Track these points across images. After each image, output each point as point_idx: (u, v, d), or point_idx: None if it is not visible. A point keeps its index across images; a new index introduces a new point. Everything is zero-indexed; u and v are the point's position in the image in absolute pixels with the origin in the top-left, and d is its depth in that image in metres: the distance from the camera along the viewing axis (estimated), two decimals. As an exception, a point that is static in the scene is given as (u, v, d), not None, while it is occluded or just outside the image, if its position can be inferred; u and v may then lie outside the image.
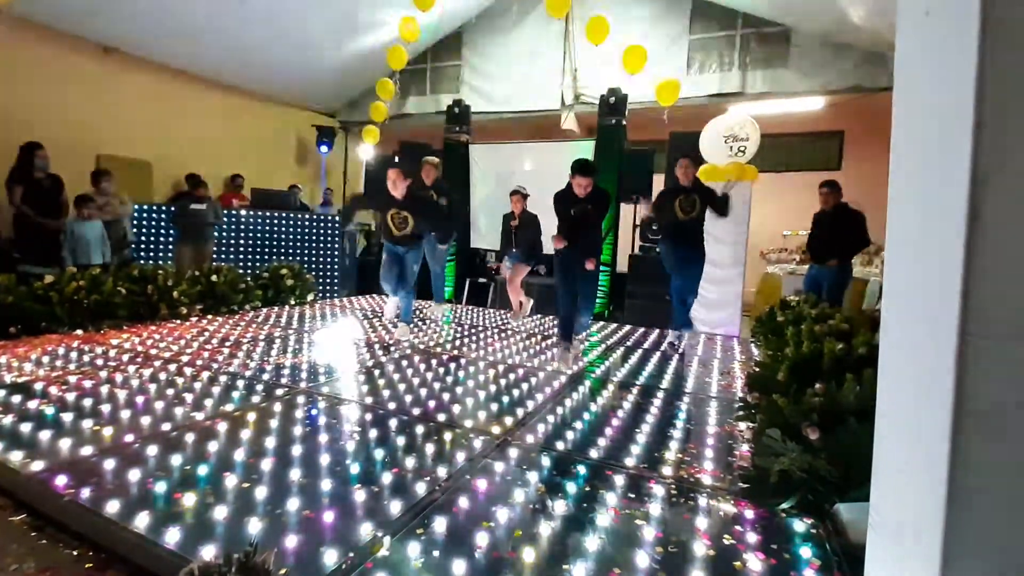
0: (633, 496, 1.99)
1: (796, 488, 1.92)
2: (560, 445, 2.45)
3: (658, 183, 6.80)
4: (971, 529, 0.76)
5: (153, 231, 6.61)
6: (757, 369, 3.20)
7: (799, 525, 1.81)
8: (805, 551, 1.65)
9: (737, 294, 5.93)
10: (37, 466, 1.95)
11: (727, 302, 5.95)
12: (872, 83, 6.25)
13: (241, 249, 7.12)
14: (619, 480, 2.11)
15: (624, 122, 6.99)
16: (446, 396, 3.09)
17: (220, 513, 1.70)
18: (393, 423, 2.62)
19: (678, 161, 4.61)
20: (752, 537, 1.73)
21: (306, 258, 7.44)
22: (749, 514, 1.88)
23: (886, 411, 1.00)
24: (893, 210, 1.00)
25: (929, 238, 0.85)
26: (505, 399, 3.08)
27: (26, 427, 2.29)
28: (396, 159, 7.14)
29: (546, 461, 2.26)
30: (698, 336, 5.68)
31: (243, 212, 7.19)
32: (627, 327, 6.03)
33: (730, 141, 5.95)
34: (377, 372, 3.55)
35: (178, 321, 4.96)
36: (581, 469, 2.20)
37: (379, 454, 2.23)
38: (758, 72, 6.93)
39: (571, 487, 2.02)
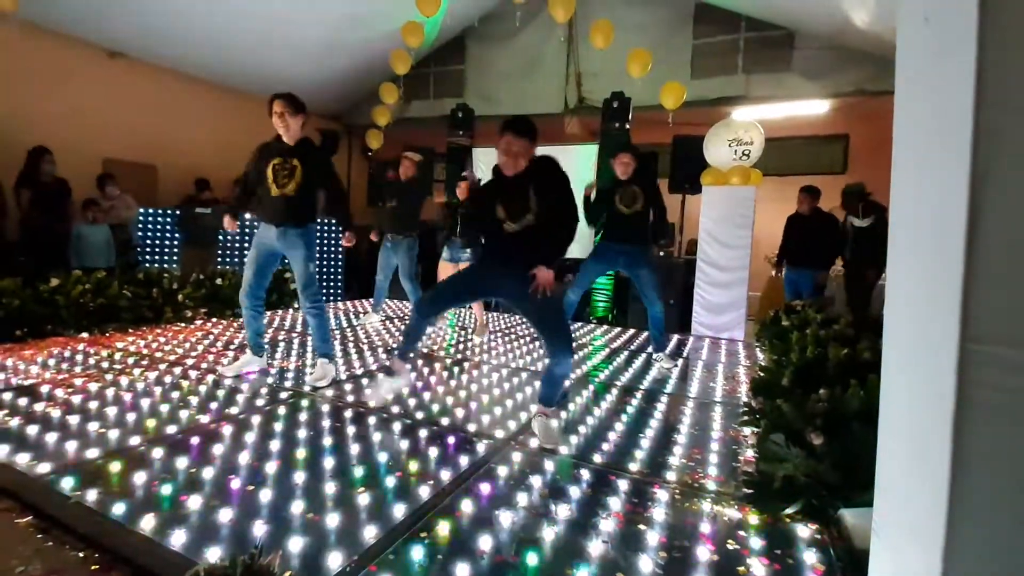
0: (637, 501, 1.99)
1: (800, 493, 1.92)
2: (564, 449, 2.45)
3: (662, 187, 6.80)
4: (973, 535, 0.76)
5: (158, 235, 6.65)
6: (761, 374, 3.19)
7: (803, 530, 1.80)
8: (809, 556, 1.64)
9: (742, 298, 5.91)
10: (43, 468, 1.97)
11: (731, 306, 5.93)
12: (876, 87, 6.24)
13: (245, 252, 7.14)
14: (623, 484, 2.10)
15: (628, 126, 6.99)
16: (450, 400, 3.10)
17: (225, 516, 1.71)
18: (397, 426, 2.63)
19: (616, 156, 4.08)
20: (756, 542, 1.72)
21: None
22: (753, 519, 1.87)
23: (889, 416, 1.00)
24: (895, 214, 1.00)
25: (930, 242, 0.86)
26: (509, 403, 3.08)
27: (32, 429, 2.31)
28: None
29: (550, 465, 2.26)
30: (702, 340, 5.67)
31: (247, 216, 7.22)
32: (631, 331, 6.02)
33: (734, 145, 5.95)
34: (381, 376, 3.55)
35: (183, 324, 4.98)
36: (585, 473, 2.20)
37: (383, 457, 2.24)
38: (762, 76, 6.93)
39: (575, 491, 2.02)
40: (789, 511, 1.89)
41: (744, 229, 5.83)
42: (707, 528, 1.80)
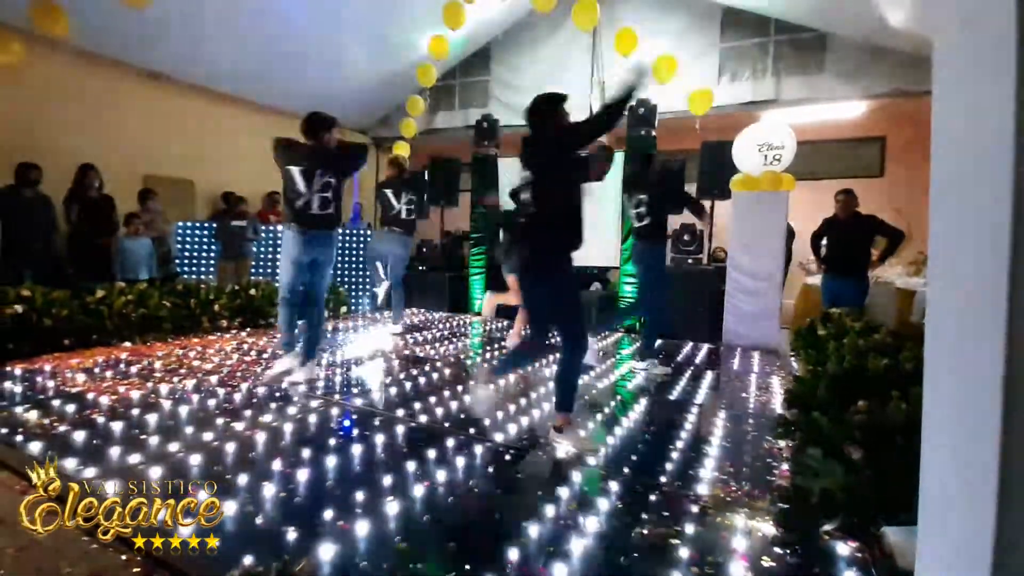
0: (667, 514, 1.95)
1: (839, 509, 1.85)
2: (592, 460, 2.42)
3: (690, 192, 6.71)
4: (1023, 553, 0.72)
5: (196, 247, 6.88)
6: (797, 384, 3.10)
7: (843, 548, 1.73)
8: None
9: (775, 306, 5.76)
10: (89, 472, 2.05)
11: (764, 315, 5.78)
12: (915, 86, 6.04)
13: (278, 264, 7.32)
14: (653, 497, 2.06)
15: (654, 132, 6.93)
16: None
17: (258, 521, 1.74)
18: (424, 435, 2.64)
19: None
20: (792, 560, 1.67)
21: (339, 271, 7.58)
22: (789, 536, 1.81)
23: (932, 429, 0.96)
24: (935, 219, 0.96)
25: (973, 247, 0.82)
26: (536, 412, 3.07)
27: (79, 435, 2.40)
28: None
29: (578, 476, 2.24)
30: (734, 350, 5.55)
31: (279, 227, 7.42)
32: (659, 340, 5.92)
33: (764, 149, 5.83)
34: (408, 385, 3.59)
35: (219, 334, 5.13)
36: (614, 485, 2.16)
37: (410, 465, 2.25)
38: (793, 78, 6.79)
39: (603, 503, 1.99)
40: (827, 528, 1.83)
41: (776, 236, 5.69)
42: (741, 544, 1.75)
